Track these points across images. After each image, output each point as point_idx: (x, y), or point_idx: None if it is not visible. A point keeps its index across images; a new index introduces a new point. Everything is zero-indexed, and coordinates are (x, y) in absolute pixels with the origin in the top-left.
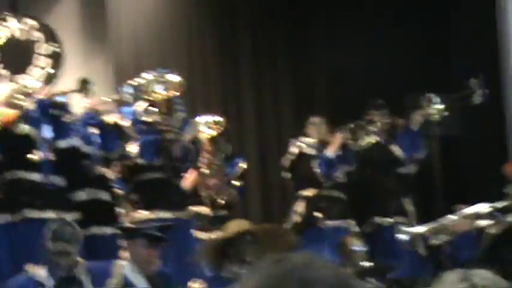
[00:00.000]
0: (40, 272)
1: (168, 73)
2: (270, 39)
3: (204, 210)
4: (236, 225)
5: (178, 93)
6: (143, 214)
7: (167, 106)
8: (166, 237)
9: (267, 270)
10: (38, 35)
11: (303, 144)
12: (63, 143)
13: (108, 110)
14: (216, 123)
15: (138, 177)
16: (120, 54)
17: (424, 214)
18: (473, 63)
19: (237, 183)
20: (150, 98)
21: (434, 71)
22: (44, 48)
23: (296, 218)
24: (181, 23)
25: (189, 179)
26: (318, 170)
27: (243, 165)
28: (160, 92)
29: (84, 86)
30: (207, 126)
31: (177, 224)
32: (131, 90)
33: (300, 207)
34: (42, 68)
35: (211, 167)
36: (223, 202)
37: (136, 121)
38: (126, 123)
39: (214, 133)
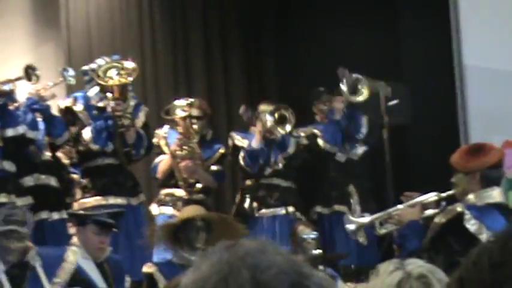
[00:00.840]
0: None
1: (122, 59)
2: (222, 25)
3: (179, 192)
4: (190, 211)
5: (131, 79)
6: (93, 200)
7: (120, 92)
8: (117, 224)
9: (219, 256)
10: None
11: (237, 136)
12: (10, 131)
13: (52, 95)
14: (190, 105)
15: (90, 162)
16: (72, 40)
17: (373, 203)
18: (424, 47)
19: (215, 168)
20: (103, 83)
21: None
22: None
23: (233, 210)
24: (132, 8)
25: (163, 161)
26: (242, 162)
27: (222, 150)
28: (114, 78)
29: (28, 72)
30: (180, 108)
31: (128, 211)
32: (73, 73)
33: (237, 198)
34: None
35: (184, 148)
36: (199, 186)
37: (88, 106)
38: (78, 107)
39: (186, 114)
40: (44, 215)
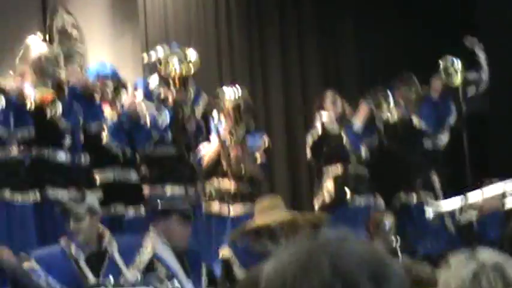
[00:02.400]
0: (72, 246)
1: (183, 48)
2: (297, 13)
3: (227, 184)
4: (269, 208)
5: (193, 70)
6: (150, 188)
7: (182, 82)
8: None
9: (300, 245)
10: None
11: (326, 119)
12: (93, 126)
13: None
14: (239, 95)
15: (151, 152)
16: (149, 32)
17: (452, 189)
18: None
19: (260, 157)
20: (165, 73)
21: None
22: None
23: (325, 197)
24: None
25: (212, 148)
26: (347, 141)
27: (266, 139)
28: (176, 68)
29: (119, 89)
30: (230, 96)
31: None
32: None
33: (329, 185)
34: None
35: (233, 135)
36: (245, 175)
37: (148, 94)
38: (138, 94)
39: (236, 104)
40: (120, 209)
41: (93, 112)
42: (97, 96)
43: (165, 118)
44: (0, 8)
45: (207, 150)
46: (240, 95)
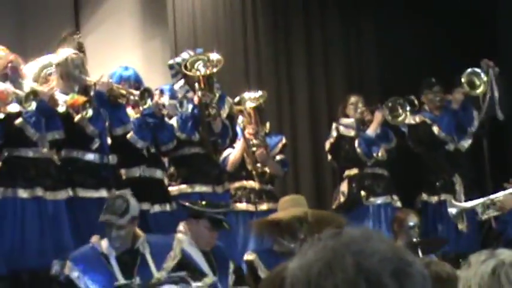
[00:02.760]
0: (103, 243)
1: (207, 52)
2: (322, 20)
3: (251, 183)
4: (292, 205)
5: (216, 71)
6: (178, 188)
7: (206, 83)
8: (227, 223)
9: (324, 243)
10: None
11: (340, 127)
12: (119, 130)
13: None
14: (260, 97)
15: (177, 152)
16: (178, 35)
17: (475, 193)
18: None
19: (279, 157)
20: (191, 75)
21: (483, 51)
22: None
23: (341, 198)
24: (236, 3)
25: (234, 152)
26: (358, 149)
27: (284, 141)
28: (200, 69)
29: (144, 95)
30: (251, 100)
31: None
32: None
33: (344, 187)
34: None
35: (257, 137)
36: (268, 174)
37: (175, 98)
38: (165, 99)
39: (256, 104)
40: (145, 206)
41: (119, 117)
42: (123, 100)
43: (187, 110)
44: (33, 10)
45: (231, 152)
46: (260, 98)
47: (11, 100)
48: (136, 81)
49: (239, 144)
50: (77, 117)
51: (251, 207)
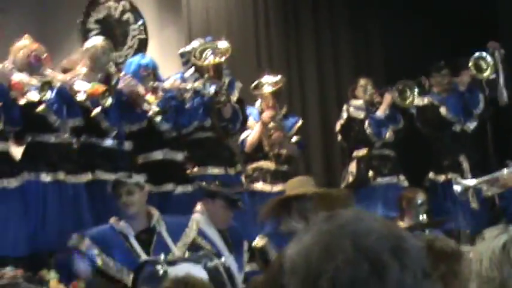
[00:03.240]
0: (121, 223)
1: (215, 40)
2: (329, 4)
3: (268, 164)
4: (299, 185)
5: (225, 58)
6: (193, 170)
7: (216, 70)
8: (242, 203)
9: (319, 227)
10: (128, 15)
11: (351, 108)
12: (134, 127)
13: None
14: (277, 82)
15: (191, 136)
16: (192, 23)
17: (480, 172)
18: None
19: (295, 138)
20: (200, 63)
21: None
22: (132, 28)
23: (349, 178)
24: None
25: (252, 134)
26: (368, 130)
27: (299, 123)
28: (209, 58)
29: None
30: (269, 84)
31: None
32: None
33: (352, 167)
34: (130, 47)
35: (274, 120)
36: (284, 155)
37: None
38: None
39: (275, 89)
40: (169, 187)
41: (135, 116)
42: (141, 104)
43: (209, 93)
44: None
45: (249, 134)
46: (278, 82)
47: (27, 90)
48: (153, 68)
49: (257, 126)
50: (93, 112)
51: (267, 188)
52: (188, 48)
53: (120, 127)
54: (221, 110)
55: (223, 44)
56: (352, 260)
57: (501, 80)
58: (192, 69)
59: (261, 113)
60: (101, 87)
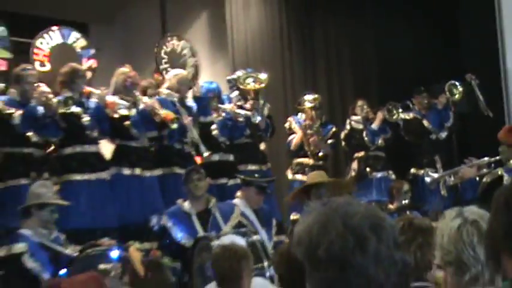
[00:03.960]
0: (186, 205)
1: (256, 71)
2: (338, 47)
3: (307, 161)
4: (318, 177)
5: (263, 86)
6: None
7: (256, 94)
8: (269, 189)
9: (318, 211)
10: (185, 51)
11: (352, 122)
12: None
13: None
14: (314, 99)
15: (236, 141)
16: (235, 59)
17: (446, 167)
18: (480, 54)
19: (330, 141)
20: (244, 88)
21: (453, 62)
22: (189, 60)
23: (352, 173)
24: (276, 34)
25: (296, 137)
26: (366, 138)
27: (334, 129)
28: (251, 84)
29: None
30: (308, 101)
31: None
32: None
33: (354, 165)
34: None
35: (311, 128)
36: (321, 154)
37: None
38: (226, 106)
39: (313, 105)
40: (224, 180)
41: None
42: (157, 117)
43: (255, 119)
44: (137, 39)
45: (294, 138)
46: (316, 99)
47: (118, 108)
48: (218, 92)
49: (299, 132)
50: (126, 123)
51: (305, 178)
52: (234, 76)
53: (182, 129)
54: (258, 123)
55: (263, 76)
56: (341, 235)
57: (480, 98)
58: (237, 92)
59: (302, 122)
60: (172, 115)
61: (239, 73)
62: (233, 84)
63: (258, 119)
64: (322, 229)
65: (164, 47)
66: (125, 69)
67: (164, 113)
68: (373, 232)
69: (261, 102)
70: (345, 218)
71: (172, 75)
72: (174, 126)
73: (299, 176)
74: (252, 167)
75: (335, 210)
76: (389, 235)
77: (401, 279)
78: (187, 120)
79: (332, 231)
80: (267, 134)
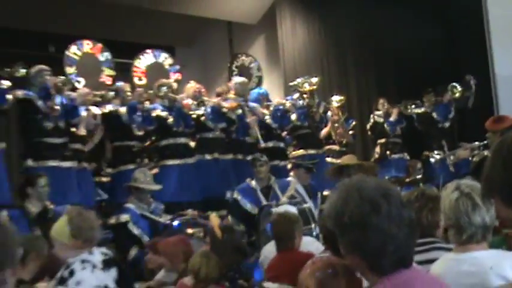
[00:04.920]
0: (253, 182)
1: (311, 77)
2: (363, 58)
3: (335, 147)
4: (349, 159)
5: (315, 87)
6: (300, 151)
7: (311, 94)
8: (315, 169)
9: (341, 188)
10: (253, 65)
11: (375, 116)
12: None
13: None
14: (340, 100)
15: (297, 132)
16: (286, 71)
17: (450, 150)
18: (475, 61)
19: (351, 132)
20: (301, 90)
21: (453, 68)
22: (255, 73)
23: (376, 155)
24: (316, 50)
25: (326, 129)
26: (387, 129)
27: (354, 122)
28: (307, 87)
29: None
30: (336, 101)
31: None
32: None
33: (377, 149)
34: (254, 83)
35: (338, 122)
36: (344, 142)
37: (294, 103)
38: (287, 104)
39: (339, 105)
40: (276, 162)
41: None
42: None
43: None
44: (213, 66)
45: (324, 130)
46: (341, 100)
47: (192, 108)
48: (266, 95)
49: (328, 125)
50: (202, 118)
51: (334, 161)
52: (294, 82)
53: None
54: (314, 116)
55: (315, 79)
56: (358, 204)
57: (473, 95)
58: (297, 94)
59: (330, 117)
60: (235, 104)
61: (298, 80)
62: (294, 88)
63: (293, 116)
64: (343, 202)
65: (235, 62)
66: (193, 83)
67: (228, 104)
68: (384, 198)
69: (315, 100)
70: (360, 191)
71: (238, 82)
72: (239, 111)
73: (329, 159)
74: (310, 151)
75: (352, 186)
76: (396, 199)
77: (410, 230)
78: (250, 118)
79: (351, 203)
80: (322, 124)
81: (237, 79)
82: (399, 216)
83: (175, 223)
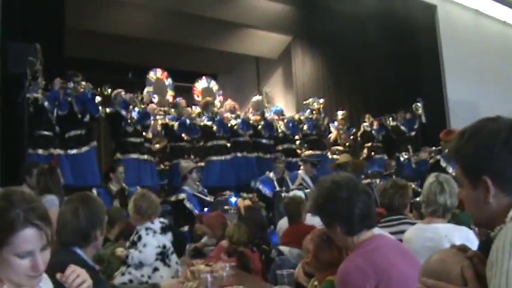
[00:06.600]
0: (271, 174)
1: (318, 98)
2: (355, 85)
3: (340, 147)
4: (346, 157)
5: (322, 105)
6: (310, 151)
7: (318, 111)
8: (319, 164)
9: (331, 179)
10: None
11: (364, 126)
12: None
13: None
14: (343, 114)
15: (308, 137)
16: (298, 94)
17: (415, 152)
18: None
19: (351, 137)
20: (312, 107)
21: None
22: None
23: (363, 155)
24: (320, 78)
25: (333, 135)
26: (374, 135)
27: (353, 131)
28: (316, 105)
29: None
30: (340, 115)
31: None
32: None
33: (365, 151)
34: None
35: (342, 130)
36: (347, 145)
37: (307, 118)
38: (302, 116)
39: (343, 117)
40: (289, 159)
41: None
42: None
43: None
44: (236, 80)
45: (331, 135)
46: (343, 114)
47: (229, 119)
48: (281, 111)
49: (334, 132)
50: (235, 127)
51: (338, 157)
52: (307, 101)
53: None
54: (320, 126)
55: (321, 100)
56: (329, 186)
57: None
58: (309, 110)
59: (335, 126)
60: (258, 117)
61: (310, 99)
62: (307, 106)
63: (305, 126)
64: (335, 186)
65: (260, 87)
66: (230, 101)
67: (254, 117)
68: (348, 182)
69: (322, 115)
70: (333, 180)
71: (254, 101)
72: (262, 123)
73: (336, 157)
74: (317, 152)
75: (328, 179)
76: (357, 183)
77: (367, 196)
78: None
79: (337, 190)
80: (326, 133)
81: (254, 98)
82: (355, 187)
83: (233, 200)
